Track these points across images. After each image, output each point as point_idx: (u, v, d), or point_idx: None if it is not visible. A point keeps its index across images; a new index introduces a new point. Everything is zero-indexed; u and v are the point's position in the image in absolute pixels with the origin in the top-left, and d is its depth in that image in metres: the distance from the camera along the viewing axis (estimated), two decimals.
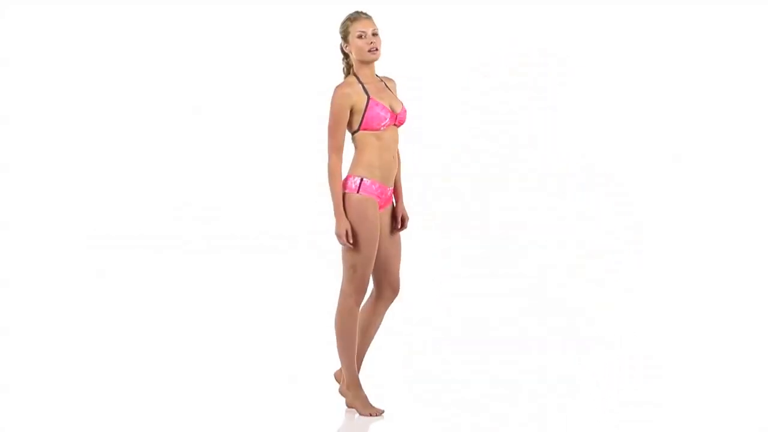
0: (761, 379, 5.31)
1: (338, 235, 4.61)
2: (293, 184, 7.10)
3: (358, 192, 4.62)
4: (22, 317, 6.42)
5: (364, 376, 4.83)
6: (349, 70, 4.71)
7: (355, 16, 4.66)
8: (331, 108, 4.61)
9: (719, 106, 7.14)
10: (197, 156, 7.18)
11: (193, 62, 7.17)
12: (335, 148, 4.61)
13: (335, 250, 4.72)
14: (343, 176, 4.66)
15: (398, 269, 4.80)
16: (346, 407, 4.76)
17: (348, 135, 4.67)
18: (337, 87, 4.64)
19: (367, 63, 4.66)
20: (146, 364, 5.55)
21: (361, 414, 4.68)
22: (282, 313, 6.54)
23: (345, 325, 4.68)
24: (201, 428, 4.49)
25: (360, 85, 4.63)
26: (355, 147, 4.67)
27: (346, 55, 4.72)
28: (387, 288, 4.78)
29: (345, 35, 4.66)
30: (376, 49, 4.64)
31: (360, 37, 4.63)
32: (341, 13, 4.72)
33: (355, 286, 4.65)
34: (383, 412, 4.69)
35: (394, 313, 4.91)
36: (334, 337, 4.72)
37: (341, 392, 4.76)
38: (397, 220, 4.80)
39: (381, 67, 4.78)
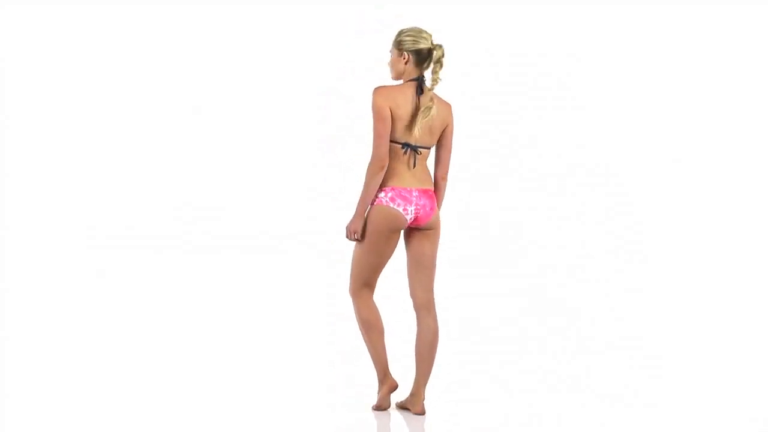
0: (761, 379, 5.31)
1: None
2: (293, 185, 7.10)
3: None
4: (22, 317, 6.42)
5: (363, 376, 4.84)
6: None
7: None
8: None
9: (719, 106, 7.14)
10: (197, 156, 7.18)
11: (193, 62, 7.17)
12: None
13: (334, 250, 4.72)
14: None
15: None
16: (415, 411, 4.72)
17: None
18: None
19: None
20: (147, 363, 5.55)
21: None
22: (282, 313, 6.54)
23: None
24: (201, 428, 4.49)
25: None
26: (424, 160, 4.73)
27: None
28: None
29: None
30: None
31: None
32: (340, 14, 4.71)
33: None
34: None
35: (393, 313, 4.91)
36: (432, 349, 4.76)
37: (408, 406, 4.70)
38: None
39: (382, 70, 4.79)
